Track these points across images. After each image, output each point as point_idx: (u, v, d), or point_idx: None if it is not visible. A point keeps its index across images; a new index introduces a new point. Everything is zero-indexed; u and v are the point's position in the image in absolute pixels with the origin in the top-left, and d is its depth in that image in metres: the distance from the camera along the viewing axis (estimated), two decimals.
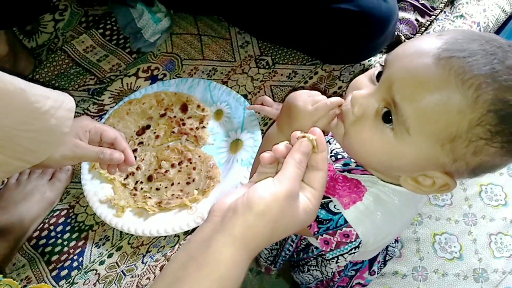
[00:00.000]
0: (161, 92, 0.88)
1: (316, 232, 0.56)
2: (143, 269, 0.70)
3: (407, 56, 0.46)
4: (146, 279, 0.69)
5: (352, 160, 0.59)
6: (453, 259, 1.36)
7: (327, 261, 0.80)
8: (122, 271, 0.70)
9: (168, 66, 0.97)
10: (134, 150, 0.83)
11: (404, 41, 0.94)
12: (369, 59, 0.94)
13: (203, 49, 0.99)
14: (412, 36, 0.95)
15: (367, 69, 0.92)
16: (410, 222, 0.65)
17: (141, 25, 0.97)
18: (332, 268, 0.80)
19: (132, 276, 0.69)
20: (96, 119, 0.90)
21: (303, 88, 0.90)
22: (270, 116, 0.79)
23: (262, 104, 0.81)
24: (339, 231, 0.54)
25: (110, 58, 0.99)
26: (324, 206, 0.55)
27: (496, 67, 0.40)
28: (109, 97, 0.92)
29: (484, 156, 0.43)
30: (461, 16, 0.99)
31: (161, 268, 0.69)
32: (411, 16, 0.97)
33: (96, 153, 0.66)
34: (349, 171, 0.58)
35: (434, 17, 0.98)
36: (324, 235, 0.56)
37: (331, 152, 0.65)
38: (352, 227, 0.54)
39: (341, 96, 0.88)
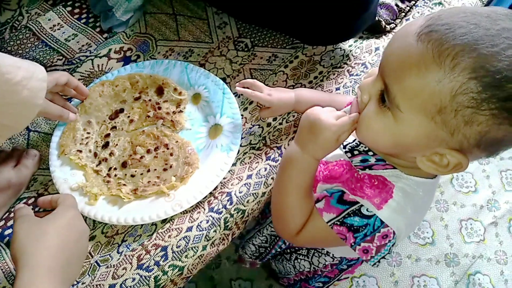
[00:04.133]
0: (135, 74, 0.84)
1: (353, 244, 0.56)
2: (118, 259, 0.66)
3: (395, 39, 0.49)
4: (123, 269, 0.65)
5: (370, 154, 0.58)
6: (425, 245, 1.40)
7: (320, 253, 0.79)
8: (96, 262, 0.67)
9: (141, 47, 0.92)
10: (107, 135, 0.79)
11: (384, 26, 0.93)
12: (349, 44, 0.92)
13: (179, 30, 0.95)
14: (392, 21, 0.94)
15: (347, 55, 0.91)
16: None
17: (112, 2, 0.92)
18: (326, 260, 0.79)
19: (107, 267, 0.66)
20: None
21: (283, 72, 0.88)
22: (263, 103, 0.73)
23: (249, 88, 0.77)
24: (377, 234, 0.55)
25: (79, 38, 0.93)
26: (356, 212, 0.55)
27: (475, 35, 0.41)
28: (79, 79, 0.87)
29: (478, 126, 0.43)
30: (440, 3, 0.99)
31: (138, 258, 0.66)
32: (391, 1, 0.96)
33: (60, 110, 0.72)
34: (370, 167, 0.58)
35: (413, 2, 0.98)
36: (362, 244, 0.56)
37: (344, 148, 0.63)
38: (389, 226, 0.54)
39: (321, 80, 0.86)
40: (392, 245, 0.56)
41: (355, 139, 0.61)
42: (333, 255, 0.78)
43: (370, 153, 0.58)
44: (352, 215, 0.56)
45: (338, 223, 0.56)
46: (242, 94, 0.84)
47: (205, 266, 1.28)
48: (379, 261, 0.57)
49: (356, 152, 0.61)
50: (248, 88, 0.73)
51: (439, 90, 0.43)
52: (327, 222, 0.57)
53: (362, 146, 0.59)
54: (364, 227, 0.55)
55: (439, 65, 0.42)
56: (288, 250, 0.87)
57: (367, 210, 0.55)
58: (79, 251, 0.59)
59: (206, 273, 1.28)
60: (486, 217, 1.43)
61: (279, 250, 0.87)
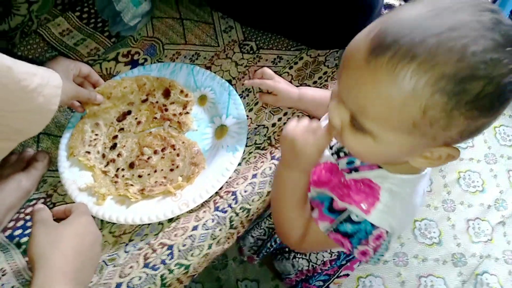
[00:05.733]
0: (142, 77, 0.85)
1: (351, 248, 0.58)
2: (125, 258, 0.68)
3: (346, 65, 0.47)
4: (129, 268, 0.66)
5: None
6: (432, 245, 1.39)
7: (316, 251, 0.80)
8: (104, 261, 0.68)
9: (149, 50, 0.94)
10: (115, 137, 0.81)
11: None
12: None
13: (185, 34, 0.96)
14: None
15: None
16: (421, 205, 0.70)
17: (120, 8, 0.94)
18: (324, 257, 0.80)
19: (114, 266, 0.67)
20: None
21: (288, 74, 0.89)
22: (272, 90, 0.75)
23: (262, 77, 0.78)
24: (370, 236, 0.56)
25: (88, 42, 0.95)
26: (347, 220, 0.57)
27: (425, 47, 0.40)
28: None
29: (456, 128, 0.44)
30: None
31: (144, 257, 0.67)
32: (395, 2, 0.96)
33: (89, 93, 0.78)
34: (356, 169, 0.58)
35: None
36: (359, 247, 0.57)
37: (331, 148, 0.64)
38: (380, 228, 0.56)
39: (326, 81, 0.87)
40: (389, 243, 0.57)
41: None
42: (330, 250, 0.79)
43: None
44: (343, 222, 0.57)
45: (333, 230, 0.58)
46: (247, 95, 0.86)
47: (212, 266, 1.30)
48: (378, 259, 0.58)
49: (342, 154, 0.63)
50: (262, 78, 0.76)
51: (407, 111, 0.42)
52: (324, 231, 0.59)
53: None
54: (357, 233, 0.56)
55: (399, 89, 0.41)
56: (287, 249, 0.88)
57: (356, 216, 0.56)
58: (92, 255, 0.62)
59: (213, 273, 1.29)
60: (493, 217, 1.43)
61: (274, 244, 0.88)
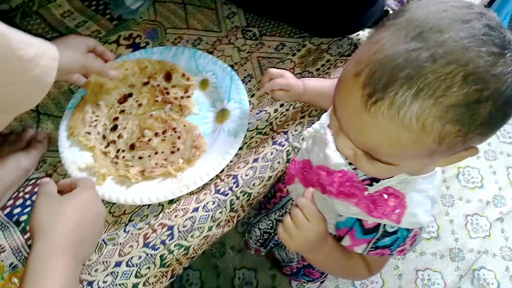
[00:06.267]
0: (144, 60, 0.85)
1: (390, 253, 0.60)
2: (125, 237, 0.67)
3: (340, 97, 0.45)
4: (129, 247, 0.66)
5: None
6: (430, 239, 1.39)
7: None
8: (103, 240, 0.68)
9: (151, 34, 0.93)
10: (116, 118, 0.80)
11: None
12: (357, 34, 0.92)
13: (188, 18, 0.96)
14: None
15: (355, 44, 0.91)
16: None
17: None
18: None
19: (113, 244, 0.67)
20: (74, 86, 0.86)
21: (290, 60, 0.88)
22: (285, 87, 0.73)
23: (271, 79, 0.75)
24: (407, 239, 0.58)
25: (89, 24, 0.94)
26: (384, 234, 0.58)
27: (422, 82, 0.38)
28: None
29: (475, 142, 0.44)
30: None
31: (144, 236, 0.67)
32: None
33: (101, 66, 0.77)
34: (375, 178, 0.58)
35: None
36: (398, 249, 0.59)
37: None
38: (415, 229, 0.57)
39: (329, 68, 0.87)
40: (421, 234, 0.59)
41: None
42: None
43: None
44: (381, 238, 0.58)
45: (373, 249, 0.59)
46: (249, 81, 0.85)
47: (210, 254, 1.30)
48: (415, 249, 0.61)
49: None
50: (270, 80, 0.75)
51: (422, 145, 0.41)
52: (362, 253, 0.60)
53: None
54: (395, 241, 0.58)
55: (408, 131, 0.40)
56: None
57: (390, 227, 0.57)
58: (94, 231, 0.62)
59: (211, 261, 1.29)
60: (492, 213, 1.43)
61: None
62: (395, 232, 0.57)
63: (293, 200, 0.79)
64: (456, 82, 0.37)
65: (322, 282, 1.11)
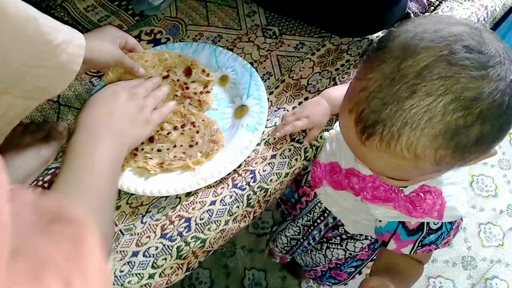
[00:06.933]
0: (164, 51, 0.85)
1: (436, 248, 0.60)
2: (142, 227, 0.68)
3: (343, 134, 0.49)
4: (146, 237, 0.66)
5: None
6: None
7: (356, 240, 0.79)
8: (120, 230, 0.68)
9: (171, 30, 0.94)
10: None
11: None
12: (377, 35, 0.92)
13: (209, 16, 0.96)
14: (421, 14, 0.94)
15: (374, 44, 0.91)
16: None
17: None
18: (363, 244, 0.79)
19: (131, 235, 0.67)
20: (95, 78, 0.87)
21: (310, 60, 0.88)
22: (306, 128, 0.75)
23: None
24: (451, 231, 0.59)
25: (112, 19, 0.96)
26: (429, 232, 0.59)
27: (406, 116, 0.40)
28: None
29: (474, 157, 0.45)
30: None
31: (162, 227, 0.67)
32: None
33: (133, 63, 0.77)
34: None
35: None
36: (443, 242, 0.60)
37: None
38: (457, 220, 0.59)
39: (348, 68, 0.86)
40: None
41: None
42: (371, 236, 0.78)
43: None
44: (426, 236, 0.59)
45: (420, 247, 0.60)
46: (268, 79, 0.85)
47: (220, 253, 1.30)
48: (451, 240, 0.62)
49: None
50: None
51: (422, 167, 0.43)
52: (409, 253, 0.60)
53: None
54: (441, 236, 0.58)
55: (404, 159, 0.42)
56: (319, 241, 0.87)
57: (434, 224, 0.58)
58: (127, 112, 0.66)
59: (221, 260, 1.29)
60: (505, 222, 1.41)
61: (312, 242, 0.87)
62: (440, 228, 0.58)
63: (321, 203, 0.79)
64: (438, 112, 0.39)
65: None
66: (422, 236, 0.59)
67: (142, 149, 0.76)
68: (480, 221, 1.42)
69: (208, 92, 0.83)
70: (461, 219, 0.59)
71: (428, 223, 0.58)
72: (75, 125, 0.62)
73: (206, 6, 0.98)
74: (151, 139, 0.77)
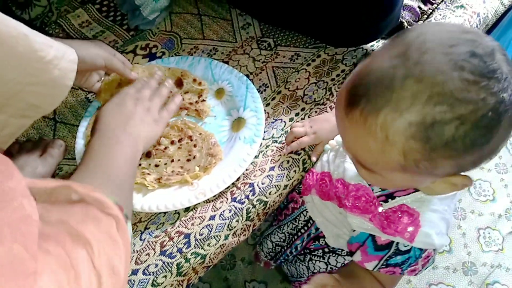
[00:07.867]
0: (153, 66, 0.85)
1: (401, 272, 0.59)
2: (141, 245, 0.67)
3: (335, 106, 0.51)
4: (146, 255, 0.66)
5: None
6: (443, 252, 1.37)
7: (338, 255, 0.78)
8: None
9: (167, 44, 0.94)
10: None
11: (407, 28, 0.94)
12: (371, 44, 0.93)
13: (203, 29, 0.97)
14: (414, 23, 0.95)
15: (369, 54, 0.91)
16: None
17: (139, 2, 0.95)
18: (345, 259, 0.78)
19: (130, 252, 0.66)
20: (91, 94, 0.87)
21: (305, 71, 0.88)
22: (312, 143, 0.76)
23: (294, 139, 0.77)
24: (420, 259, 0.57)
25: (107, 34, 0.96)
26: (396, 252, 0.57)
27: (387, 97, 0.40)
28: (106, 73, 0.89)
29: (444, 166, 0.43)
30: (461, 6, 0.99)
31: (161, 244, 0.67)
32: (414, 3, 0.97)
33: (123, 67, 0.77)
34: (391, 195, 0.58)
35: (436, 5, 0.99)
36: (409, 269, 0.58)
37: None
38: (428, 249, 0.57)
39: (344, 78, 0.87)
40: (435, 255, 0.59)
41: None
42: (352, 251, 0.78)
43: None
44: (393, 256, 0.58)
45: (384, 266, 0.59)
46: (265, 90, 0.86)
47: (220, 266, 1.29)
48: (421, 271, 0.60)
49: None
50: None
51: (389, 156, 0.43)
52: (372, 269, 0.60)
53: None
54: (407, 260, 0.57)
55: (374, 139, 0.43)
56: (302, 251, 0.87)
57: (403, 245, 0.57)
58: (137, 113, 0.68)
59: (221, 273, 1.28)
60: (504, 226, 1.41)
61: (294, 251, 0.86)
62: (408, 251, 0.56)
63: (306, 212, 0.79)
64: (420, 101, 0.39)
65: None
66: (388, 254, 0.58)
67: (140, 165, 0.75)
68: (479, 226, 1.42)
69: (203, 100, 0.83)
70: (434, 250, 0.58)
71: (397, 243, 0.57)
72: (90, 135, 0.65)
73: (201, 19, 0.98)
74: (148, 154, 0.77)
